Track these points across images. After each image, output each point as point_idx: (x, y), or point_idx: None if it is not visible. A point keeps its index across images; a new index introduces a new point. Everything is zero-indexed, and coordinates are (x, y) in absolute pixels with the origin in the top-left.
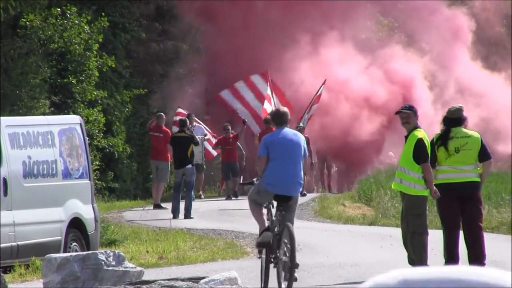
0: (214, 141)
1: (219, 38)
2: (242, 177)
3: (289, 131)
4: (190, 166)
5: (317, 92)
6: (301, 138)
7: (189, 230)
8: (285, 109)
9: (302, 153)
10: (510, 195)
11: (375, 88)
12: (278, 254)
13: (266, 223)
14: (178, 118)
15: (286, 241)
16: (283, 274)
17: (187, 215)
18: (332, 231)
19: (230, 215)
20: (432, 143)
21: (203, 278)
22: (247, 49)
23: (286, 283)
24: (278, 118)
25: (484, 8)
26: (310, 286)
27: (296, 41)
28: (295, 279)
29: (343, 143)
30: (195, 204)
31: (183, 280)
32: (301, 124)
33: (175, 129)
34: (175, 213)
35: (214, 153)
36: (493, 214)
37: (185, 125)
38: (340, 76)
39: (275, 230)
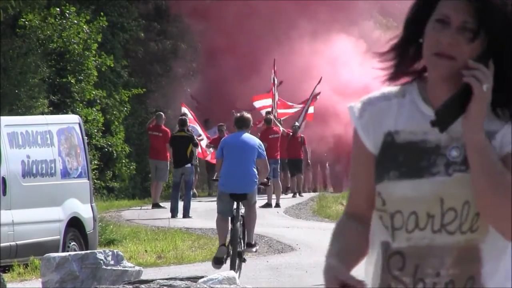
0: (206, 142)
1: (216, 36)
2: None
3: (245, 135)
4: (189, 165)
5: (313, 90)
6: (255, 141)
7: (187, 229)
8: (248, 115)
9: (255, 155)
10: None
11: (378, 83)
12: (240, 249)
13: (228, 238)
14: (184, 110)
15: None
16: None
17: (186, 215)
18: (330, 230)
19: None
20: None
21: (202, 277)
22: (246, 47)
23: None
24: (238, 122)
25: None
26: (308, 286)
27: (296, 39)
28: (249, 248)
29: (344, 142)
30: (194, 203)
31: (181, 279)
32: (296, 124)
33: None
34: (173, 212)
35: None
36: None
37: (185, 124)
38: (341, 73)
39: (238, 225)
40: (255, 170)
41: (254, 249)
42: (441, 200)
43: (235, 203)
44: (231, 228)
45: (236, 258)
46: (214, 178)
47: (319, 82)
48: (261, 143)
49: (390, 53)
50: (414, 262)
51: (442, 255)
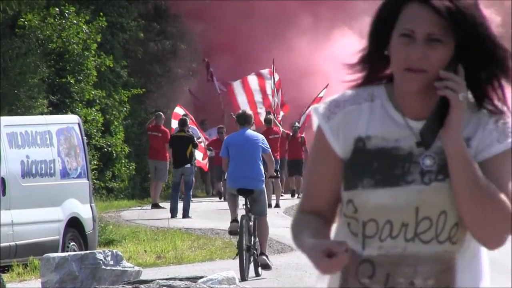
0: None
1: (215, 36)
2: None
3: (248, 131)
4: (189, 165)
5: (318, 95)
6: (258, 137)
7: (187, 229)
8: (250, 112)
9: (260, 151)
10: None
11: None
12: (250, 243)
13: (238, 215)
14: (177, 110)
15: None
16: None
17: (185, 215)
18: None
19: (228, 215)
20: None
21: (201, 277)
22: (245, 46)
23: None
24: (241, 119)
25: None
26: (308, 286)
27: (295, 38)
28: (268, 267)
29: None
30: (193, 203)
31: (181, 279)
32: (296, 124)
33: (174, 121)
34: (173, 212)
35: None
36: None
37: (185, 125)
38: (341, 72)
39: (245, 221)
40: (261, 167)
41: (268, 261)
42: (417, 209)
43: (244, 200)
44: (239, 225)
45: (243, 253)
46: (225, 178)
47: (325, 87)
48: (263, 137)
49: (359, 65)
50: (385, 270)
51: (415, 264)
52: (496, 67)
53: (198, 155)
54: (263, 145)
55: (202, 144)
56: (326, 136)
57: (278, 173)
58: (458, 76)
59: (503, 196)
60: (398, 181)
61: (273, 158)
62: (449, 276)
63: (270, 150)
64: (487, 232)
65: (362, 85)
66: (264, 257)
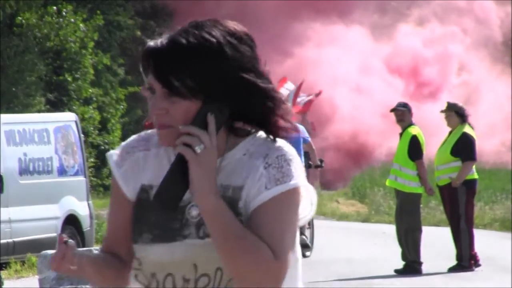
0: None
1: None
2: None
3: None
4: None
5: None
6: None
7: None
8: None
9: (301, 142)
10: (501, 192)
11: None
12: None
13: None
14: None
15: None
16: None
17: None
18: (326, 227)
19: None
20: (473, 138)
21: None
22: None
23: None
24: None
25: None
26: (303, 282)
27: (299, 36)
28: (307, 247)
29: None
30: None
31: None
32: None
33: None
34: None
35: None
36: (485, 211)
37: None
38: (349, 71)
39: None
40: (302, 158)
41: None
42: (195, 266)
43: None
44: None
45: None
46: None
47: (319, 94)
48: (303, 128)
49: None
50: None
51: None
52: (262, 102)
53: None
54: (303, 136)
55: None
56: (118, 183)
57: (322, 162)
58: (196, 128)
59: (261, 249)
60: (175, 236)
61: (313, 146)
62: None
63: (310, 139)
64: (248, 284)
65: None
66: (304, 237)
